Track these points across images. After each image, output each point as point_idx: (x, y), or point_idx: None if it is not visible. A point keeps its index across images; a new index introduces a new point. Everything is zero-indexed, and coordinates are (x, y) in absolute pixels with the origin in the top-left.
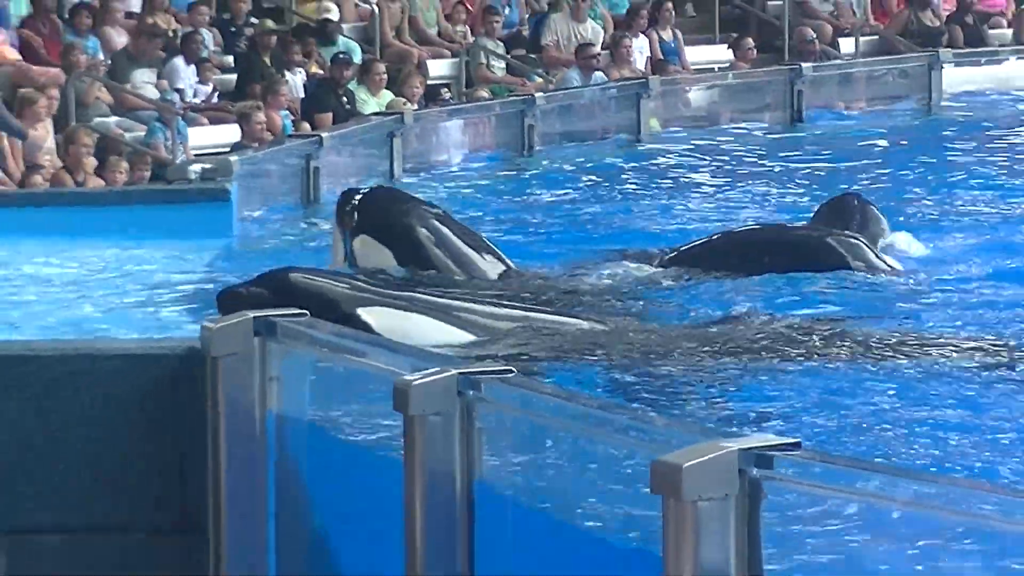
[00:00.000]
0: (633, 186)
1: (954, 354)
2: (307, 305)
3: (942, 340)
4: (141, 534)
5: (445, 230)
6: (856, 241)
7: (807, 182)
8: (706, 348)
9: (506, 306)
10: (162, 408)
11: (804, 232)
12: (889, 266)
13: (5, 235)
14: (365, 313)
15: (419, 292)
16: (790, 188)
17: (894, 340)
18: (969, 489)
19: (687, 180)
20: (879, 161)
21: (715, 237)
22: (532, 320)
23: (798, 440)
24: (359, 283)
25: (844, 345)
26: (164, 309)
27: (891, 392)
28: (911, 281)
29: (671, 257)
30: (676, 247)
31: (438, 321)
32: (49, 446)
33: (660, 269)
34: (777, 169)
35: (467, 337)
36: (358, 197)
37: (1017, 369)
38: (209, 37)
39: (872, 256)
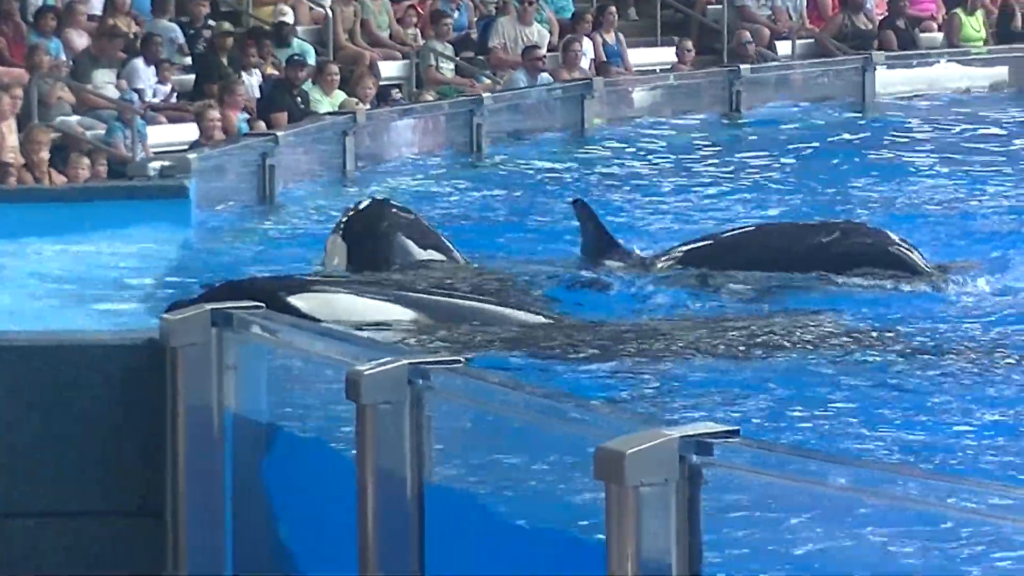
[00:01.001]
0: (577, 183)
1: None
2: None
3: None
4: (104, 518)
5: (399, 234)
6: (897, 237)
7: (746, 180)
8: (657, 340)
9: (430, 293)
10: (123, 397)
11: (847, 224)
12: (931, 269)
13: None
14: (295, 300)
15: (348, 281)
16: (729, 185)
17: (855, 334)
18: (901, 474)
19: (629, 178)
20: (815, 160)
21: (745, 230)
22: (450, 306)
23: (737, 428)
24: (294, 279)
25: (803, 338)
26: (125, 301)
27: (836, 383)
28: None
29: (690, 250)
30: (704, 236)
31: (360, 300)
32: (13, 433)
33: (679, 261)
34: (716, 167)
35: (381, 313)
36: (353, 205)
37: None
38: (176, 35)
39: (916, 256)
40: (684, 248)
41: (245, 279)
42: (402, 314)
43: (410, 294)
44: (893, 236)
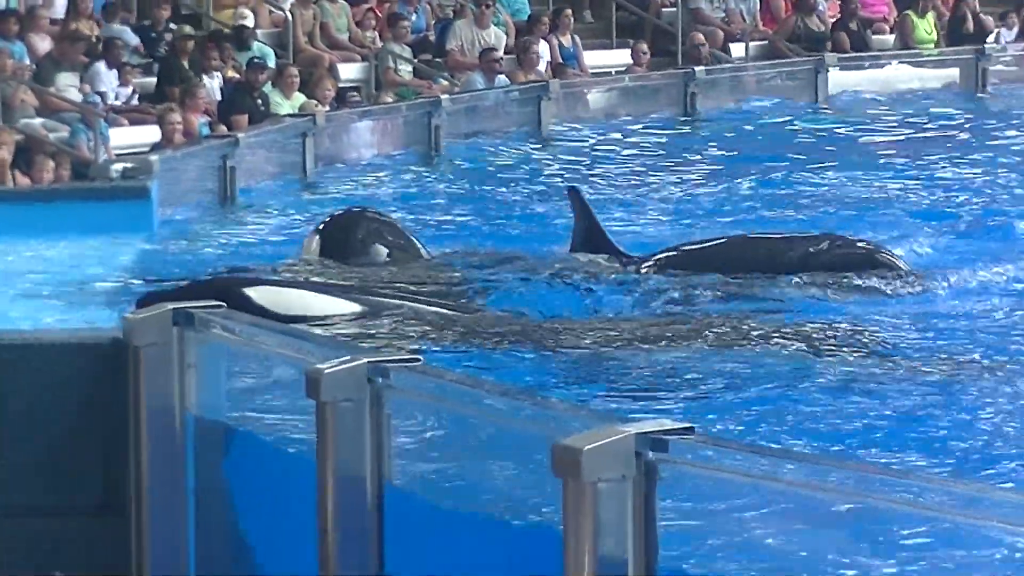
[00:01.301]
0: (533, 183)
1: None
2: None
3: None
4: (66, 516)
5: (373, 236)
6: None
7: (701, 179)
8: (618, 338)
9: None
10: (87, 395)
11: (832, 236)
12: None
13: None
14: (249, 291)
15: (299, 278)
16: (685, 185)
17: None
18: (853, 470)
19: (586, 178)
20: (769, 160)
21: (729, 239)
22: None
23: (691, 425)
24: (254, 275)
25: (771, 338)
26: (88, 301)
27: (799, 381)
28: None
29: (676, 255)
30: (678, 246)
31: (305, 294)
32: None
33: (656, 267)
34: (671, 167)
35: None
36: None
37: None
38: (130, 38)
39: (901, 263)
40: (673, 251)
41: (212, 277)
42: (358, 310)
43: (367, 291)
44: (878, 245)
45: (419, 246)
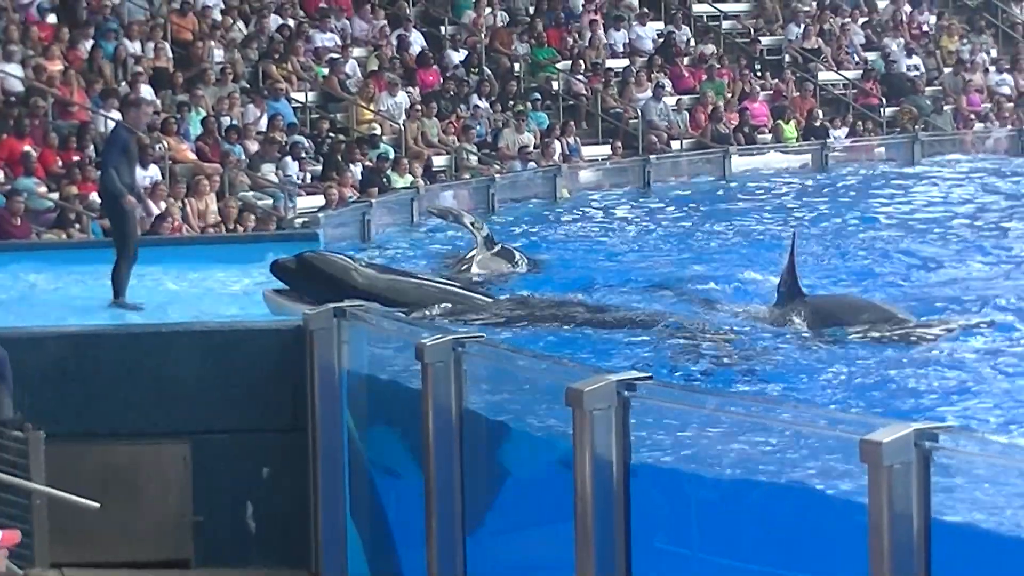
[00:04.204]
0: (553, 228)
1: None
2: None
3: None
4: (270, 432)
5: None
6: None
7: (653, 226)
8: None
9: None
10: (282, 360)
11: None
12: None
13: (194, 262)
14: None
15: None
16: (644, 225)
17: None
18: (746, 401)
19: (583, 225)
20: (697, 213)
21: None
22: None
23: (651, 375)
24: (332, 256)
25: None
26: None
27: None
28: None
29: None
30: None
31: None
32: (219, 380)
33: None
34: (635, 219)
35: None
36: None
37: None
38: (304, 143)
39: None
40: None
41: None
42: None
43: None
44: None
45: (517, 255)
